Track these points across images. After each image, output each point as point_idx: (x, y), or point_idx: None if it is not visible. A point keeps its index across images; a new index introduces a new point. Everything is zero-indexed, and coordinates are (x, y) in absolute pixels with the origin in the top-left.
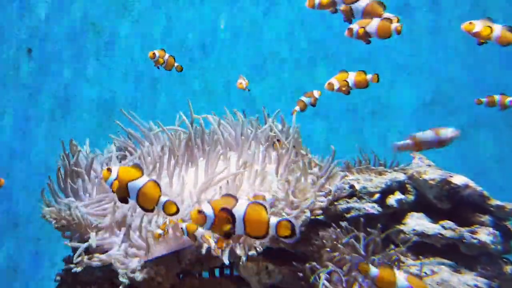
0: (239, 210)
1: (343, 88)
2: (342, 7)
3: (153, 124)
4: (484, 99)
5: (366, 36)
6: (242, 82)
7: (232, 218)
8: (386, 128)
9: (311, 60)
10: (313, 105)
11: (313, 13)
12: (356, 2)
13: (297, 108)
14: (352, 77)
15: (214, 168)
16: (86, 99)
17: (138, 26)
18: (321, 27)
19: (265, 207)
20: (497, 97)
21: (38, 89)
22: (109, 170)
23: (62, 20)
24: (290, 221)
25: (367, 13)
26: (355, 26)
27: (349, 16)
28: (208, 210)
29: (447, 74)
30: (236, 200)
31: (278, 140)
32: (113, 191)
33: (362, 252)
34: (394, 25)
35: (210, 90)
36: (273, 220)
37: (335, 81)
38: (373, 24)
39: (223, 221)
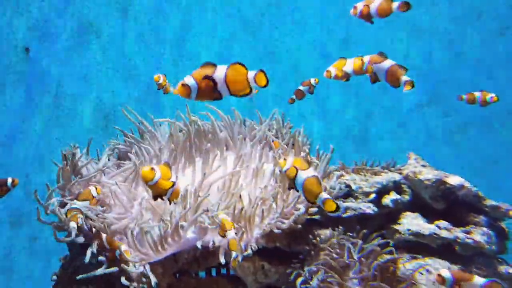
0: (219, 74)
1: (340, 75)
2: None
3: (147, 123)
4: (464, 96)
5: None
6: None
7: (214, 82)
8: (382, 128)
9: (308, 61)
10: (311, 92)
11: (313, 15)
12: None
13: (294, 97)
14: (350, 63)
15: (211, 168)
16: (85, 99)
17: (137, 26)
18: (319, 29)
19: (243, 65)
20: (477, 94)
21: (37, 88)
22: (152, 169)
23: (60, 20)
24: (262, 71)
25: (391, 75)
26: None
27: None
28: (190, 81)
29: (443, 75)
30: (215, 66)
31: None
32: (153, 189)
33: (356, 257)
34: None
35: None
36: (251, 73)
37: (332, 69)
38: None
39: (207, 87)
